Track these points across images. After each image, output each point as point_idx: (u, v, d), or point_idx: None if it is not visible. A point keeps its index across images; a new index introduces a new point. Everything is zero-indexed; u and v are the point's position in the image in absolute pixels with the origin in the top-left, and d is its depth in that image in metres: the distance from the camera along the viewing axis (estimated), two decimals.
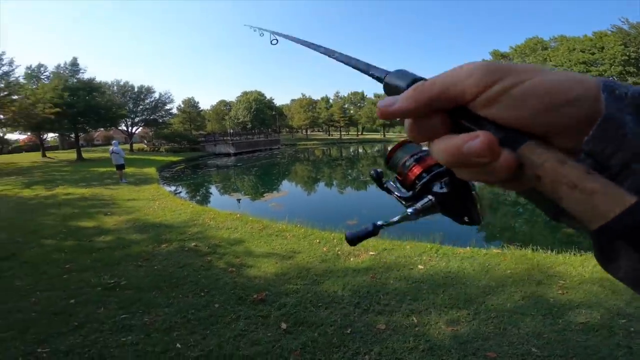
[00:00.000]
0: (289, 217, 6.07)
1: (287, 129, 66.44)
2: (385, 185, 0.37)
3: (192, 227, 5.38)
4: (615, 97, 0.17)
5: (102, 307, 2.89)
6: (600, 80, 0.18)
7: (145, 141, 37.65)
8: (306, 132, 67.04)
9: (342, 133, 60.20)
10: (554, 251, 3.72)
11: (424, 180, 0.32)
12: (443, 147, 0.20)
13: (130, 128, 33.13)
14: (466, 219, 0.30)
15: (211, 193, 13.03)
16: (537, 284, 2.95)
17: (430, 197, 0.31)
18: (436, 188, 0.31)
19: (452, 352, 2.12)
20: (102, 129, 30.48)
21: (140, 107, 33.38)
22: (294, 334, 2.47)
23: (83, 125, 22.80)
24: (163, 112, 35.31)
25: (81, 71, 24.57)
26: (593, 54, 26.61)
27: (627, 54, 25.31)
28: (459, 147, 0.19)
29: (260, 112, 51.17)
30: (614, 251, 0.19)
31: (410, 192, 0.33)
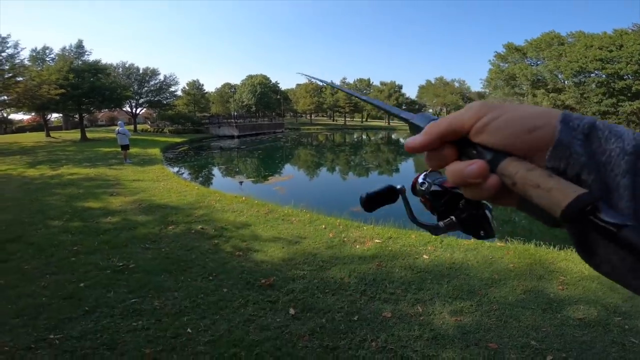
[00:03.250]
0: (294, 201, 6.11)
1: (291, 113, 66.48)
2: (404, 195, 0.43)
3: (198, 210, 5.43)
4: (568, 127, 0.23)
5: (112, 291, 2.93)
6: (561, 114, 0.24)
7: (149, 122, 38.18)
8: (310, 117, 67.01)
9: (347, 119, 59.90)
10: (556, 247, 3.77)
11: (444, 203, 0.38)
12: (451, 171, 0.27)
13: (134, 109, 33.57)
14: (482, 233, 0.36)
15: (215, 175, 13.08)
16: (539, 278, 3.01)
17: (452, 217, 0.37)
18: (456, 209, 0.37)
19: (455, 341, 2.20)
20: (106, 109, 30.94)
21: (145, 88, 33.83)
22: (302, 319, 2.54)
23: (87, 106, 23.09)
24: (167, 94, 35.77)
25: (86, 53, 24.79)
26: (611, 51, 25.63)
27: None
28: (462, 170, 0.25)
29: (265, 95, 51.19)
30: (589, 243, 0.24)
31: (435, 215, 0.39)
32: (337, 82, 60.88)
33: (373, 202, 0.39)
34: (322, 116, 71.21)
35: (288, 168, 15.47)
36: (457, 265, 3.37)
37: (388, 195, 0.40)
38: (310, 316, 2.58)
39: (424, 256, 3.63)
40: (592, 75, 26.42)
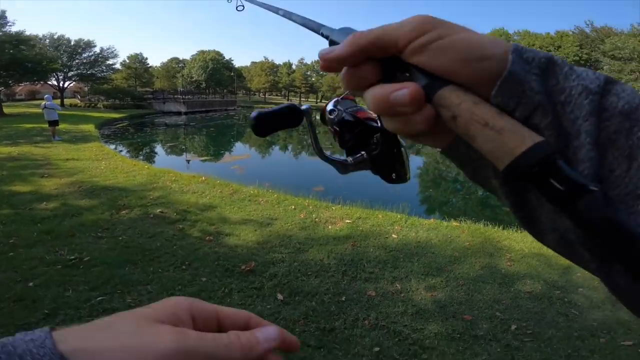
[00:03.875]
0: (254, 180, 5.96)
1: (245, 91, 64.82)
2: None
3: (153, 191, 4.94)
4: (522, 59, 0.20)
5: (70, 289, 2.58)
6: (513, 45, 0.20)
7: (79, 96, 35.34)
8: (265, 95, 65.73)
9: (302, 99, 59.48)
10: (500, 227, 4.37)
11: (355, 136, 0.33)
12: (372, 95, 0.22)
13: (61, 82, 30.86)
14: (394, 176, 0.32)
15: (163, 153, 12.09)
16: (490, 255, 3.50)
17: (363, 153, 0.33)
18: (368, 145, 0.33)
19: (435, 315, 2.49)
20: (27, 83, 28.52)
21: (77, 61, 31.58)
22: (291, 304, 2.59)
23: (5, 79, 21.31)
24: (104, 67, 33.60)
25: (8, 24, 22.09)
26: (549, 50, 29.05)
27: (580, 55, 28.21)
28: (387, 95, 0.21)
29: (217, 72, 48.79)
30: (531, 207, 0.21)
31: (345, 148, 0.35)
32: (295, 62, 60.02)
33: (268, 124, 0.32)
34: (277, 95, 69.65)
35: (244, 147, 14.86)
36: (423, 244, 3.72)
37: (288, 116, 0.33)
38: (299, 300, 2.64)
39: (393, 235, 3.92)
40: None
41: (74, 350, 0.20)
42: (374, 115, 0.34)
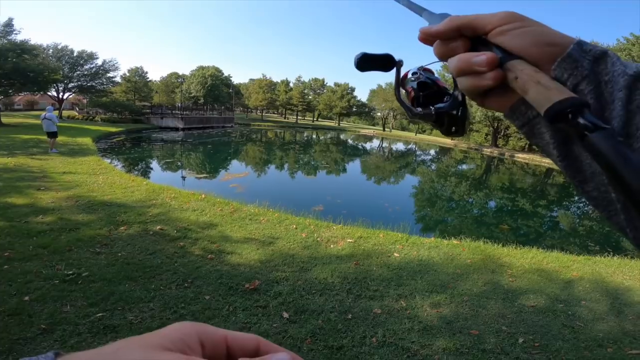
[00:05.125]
0: (253, 199, 5.95)
1: (242, 108, 65.09)
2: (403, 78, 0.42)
3: (152, 208, 4.89)
4: (581, 48, 0.26)
5: (68, 305, 2.51)
6: (577, 38, 0.26)
7: (77, 109, 34.98)
8: (262, 113, 66.09)
9: (299, 117, 60.00)
10: (499, 244, 4.45)
11: (424, 94, 0.38)
12: (459, 57, 0.29)
13: (61, 94, 30.26)
14: (453, 129, 0.36)
15: (159, 169, 11.89)
16: (492, 272, 3.54)
17: (432, 107, 0.36)
18: (437, 104, 0.37)
19: (442, 330, 2.48)
20: (27, 93, 27.49)
21: (77, 72, 31.29)
22: (298, 322, 2.55)
23: (6, 88, 20.87)
24: (104, 80, 33.30)
25: (14, 32, 22.10)
26: None
27: None
28: (470, 57, 0.28)
29: (216, 88, 49.14)
30: (573, 153, 0.27)
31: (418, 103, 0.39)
32: (293, 80, 61.87)
33: (367, 62, 0.37)
34: (274, 113, 70.11)
35: (242, 165, 14.90)
36: (425, 262, 3.74)
37: (384, 61, 0.38)
38: (305, 318, 2.61)
39: (395, 254, 3.93)
40: None
41: None
42: (448, 86, 0.40)
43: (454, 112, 0.36)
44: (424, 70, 0.42)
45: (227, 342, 0.22)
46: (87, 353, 0.19)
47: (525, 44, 0.26)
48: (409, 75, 0.41)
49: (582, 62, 0.25)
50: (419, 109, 0.37)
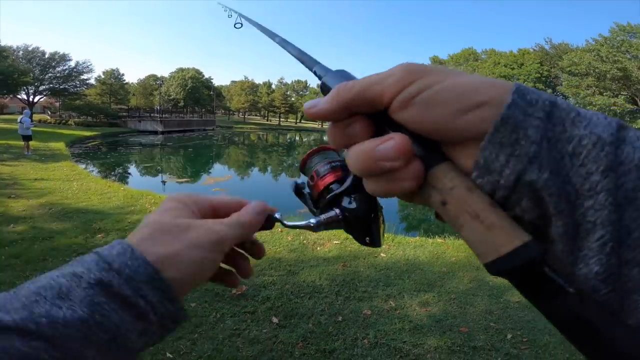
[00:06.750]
0: None
1: (224, 111, 64.31)
2: (302, 191, 0.35)
3: (131, 215, 4.69)
4: (525, 101, 0.16)
5: None
6: (515, 84, 0.17)
7: (49, 112, 33.73)
8: (244, 115, 65.65)
9: (281, 119, 59.95)
10: None
11: (334, 192, 0.30)
12: (355, 151, 0.20)
13: (31, 97, 29.57)
14: (367, 240, 0.30)
15: (137, 174, 11.50)
16: (477, 269, 3.62)
17: (337, 211, 0.29)
18: (345, 203, 0.29)
19: (432, 329, 2.50)
20: None
21: (49, 74, 30.46)
22: (288, 327, 2.51)
23: None
24: (77, 82, 32.63)
25: None
26: (513, 69, 29.85)
27: (541, 72, 29.00)
28: (372, 149, 0.19)
29: (196, 90, 48.05)
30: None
31: (319, 203, 0.32)
32: (275, 82, 60.76)
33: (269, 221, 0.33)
34: (256, 115, 69.63)
35: (225, 168, 14.63)
36: (411, 262, 3.78)
37: (268, 221, 0.32)
38: (295, 322, 2.57)
39: (382, 254, 3.96)
40: None
41: (157, 258, 0.24)
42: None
43: (364, 214, 0.28)
44: (326, 150, 0.34)
45: (212, 205, 0.31)
46: (144, 234, 0.26)
47: (439, 116, 0.18)
48: (309, 162, 0.33)
49: (525, 127, 0.16)
50: (322, 217, 0.29)
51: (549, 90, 29.89)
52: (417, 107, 0.18)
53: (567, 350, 2.24)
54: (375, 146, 0.19)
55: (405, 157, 0.18)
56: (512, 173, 0.16)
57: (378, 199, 0.27)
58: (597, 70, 22.57)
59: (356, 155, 0.20)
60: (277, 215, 0.33)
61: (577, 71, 24.07)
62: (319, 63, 0.30)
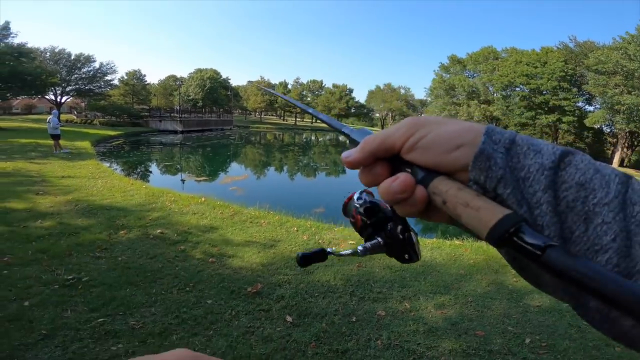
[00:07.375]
0: (253, 202, 5.93)
1: (241, 110, 65.31)
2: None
3: (152, 212, 4.86)
4: (492, 140, 0.23)
5: (69, 310, 2.48)
6: (485, 127, 0.24)
7: (76, 112, 35.20)
8: (261, 115, 66.51)
9: (297, 119, 60.39)
10: None
11: (376, 217, 0.36)
12: (380, 189, 0.27)
13: (59, 97, 30.46)
14: (406, 256, 0.35)
15: (158, 172, 11.88)
16: (495, 272, 3.53)
17: (379, 239, 0.35)
18: (385, 229, 0.35)
19: (448, 332, 2.46)
20: (25, 96, 28.02)
21: (75, 75, 31.35)
22: (302, 326, 2.52)
23: (3, 92, 21.06)
24: (102, 83, 33.43)
25: (11, 35, 22.23)
26: (536, 67, 28.68)
27: (565, 70, 27.66)
28: (388, 186, 0.26)
29: (214, 91, 49.04)
30: (522, 264, 0.24)
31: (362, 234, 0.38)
32: (290, 82, 62.11)
33: (308, 259, 0.39)
34: (272, 115, 70.43)
35: (242, 167, 14.90)
36: (428, 263, 3.72)
37: (319, 255, 0.39)
38: (309, 322, 2.58)
39: None
40: (517, 89, 29.82)
41: None
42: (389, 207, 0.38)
43: (400, 236, 0.34)
44: (367, 192, 0.40)
45: None
46: None
47: (434, 155, 0.25)
48: (355, 200, 0.39)
49: (495, 158, 0.23)
50: (368, 245, 0.35)
51: (574, 89, 28.41)
52: (419, 150, 0.25)
53: (588, 355, 2.15)
54: (389, 184, 0.25)
55: (409, 189, 0.25)
56: (490, 189, 0.23)
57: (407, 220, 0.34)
58: (625, 69, 21.49)
59: (381, 191, 0.27)
60: (329, 250, 0.39)
61: (604, 70, 23.02)
62: (345, 125, 0.37)
